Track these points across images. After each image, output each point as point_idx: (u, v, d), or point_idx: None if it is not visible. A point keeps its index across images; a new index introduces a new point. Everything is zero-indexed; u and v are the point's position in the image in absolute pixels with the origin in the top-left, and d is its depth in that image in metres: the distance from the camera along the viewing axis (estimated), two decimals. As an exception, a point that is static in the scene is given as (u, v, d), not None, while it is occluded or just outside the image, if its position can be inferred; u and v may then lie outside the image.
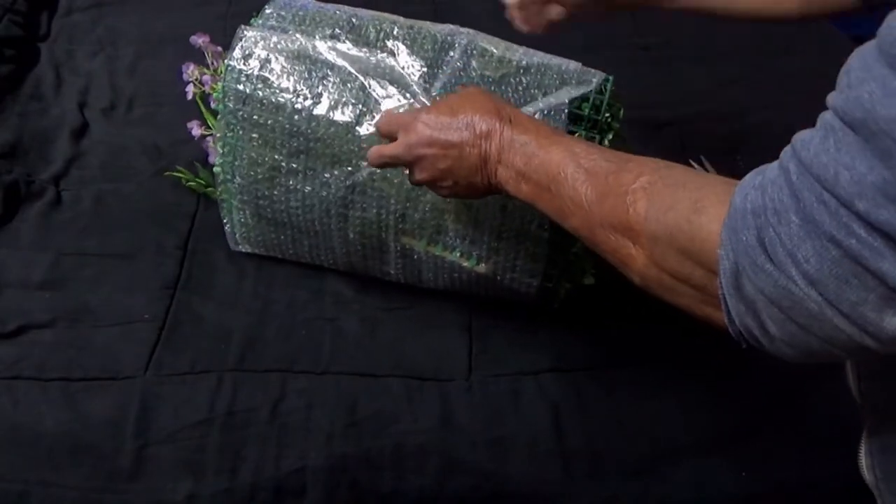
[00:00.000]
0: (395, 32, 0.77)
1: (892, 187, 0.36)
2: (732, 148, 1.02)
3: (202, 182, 0.93)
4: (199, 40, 0.87)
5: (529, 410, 0.76)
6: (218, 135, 0.80)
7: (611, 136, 0.75)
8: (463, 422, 0.75)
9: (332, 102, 0.75)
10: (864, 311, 0.39)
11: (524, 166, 0.60)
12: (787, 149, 0.44)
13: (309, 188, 0.77)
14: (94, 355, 0.78)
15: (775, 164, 0.44)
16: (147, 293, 0.84)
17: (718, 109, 1.08)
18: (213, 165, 0.84)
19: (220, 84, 0.79)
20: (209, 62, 0.87)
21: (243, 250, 0.87)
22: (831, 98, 0.41)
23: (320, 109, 0.75)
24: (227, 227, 0.86)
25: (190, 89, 0.87)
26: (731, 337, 0.84)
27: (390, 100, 0.74)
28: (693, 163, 1.00)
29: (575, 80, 0.75)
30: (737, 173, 1.09)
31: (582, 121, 0.74)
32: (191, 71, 0.87)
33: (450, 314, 0.84)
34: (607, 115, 0.75)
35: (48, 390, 0.75)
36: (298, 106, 0.75)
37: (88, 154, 0.99)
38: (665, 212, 0.50)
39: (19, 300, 0.82)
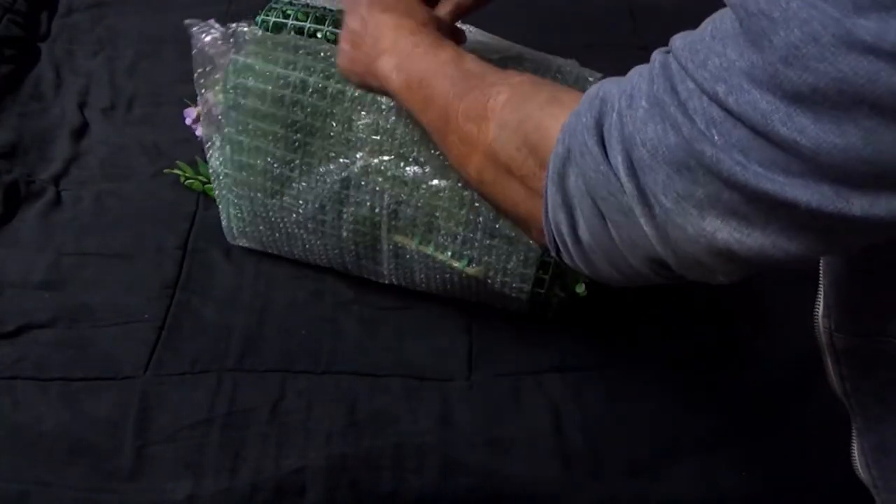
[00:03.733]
0: None
1: (760, 71, 0.33)
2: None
3: (202, 178, 0.93)
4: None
5: (529, 410, 0.76)
6: (217, 129, 0.80)
7: None
8: (463, 422, 0.75)
9: (332, 95, 0.74)
10: (687, 207, 0.37)
11: (406, 61, 0.59)
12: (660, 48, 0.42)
13: (304, 183, 0.77)
14: (94, 355, 0.78)
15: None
16: (147, 293, 0.84)
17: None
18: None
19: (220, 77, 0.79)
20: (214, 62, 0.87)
21: (241, 244, 0.87)
22: None
23: (320, 102, 0.75)
24: (223, 222, 0.86)
25: (198, 129, 0.87)
26: (730, 337, 0.84)
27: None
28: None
29: (573, 78, 0.75)
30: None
31: None
32: (195, 115, 0.87)
33: (450, 314, 0.84)
34: None
35: (48, 390, 0.75)
36: (298, 98, 0.75)
37: (88, 154, 0.99)
38: (522, 101, 0.49)
39: (19, 300, 0.82)
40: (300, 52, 0.75)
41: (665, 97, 0.37)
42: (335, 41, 0.76)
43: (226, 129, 0.78)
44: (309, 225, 0.80)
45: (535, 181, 0.46)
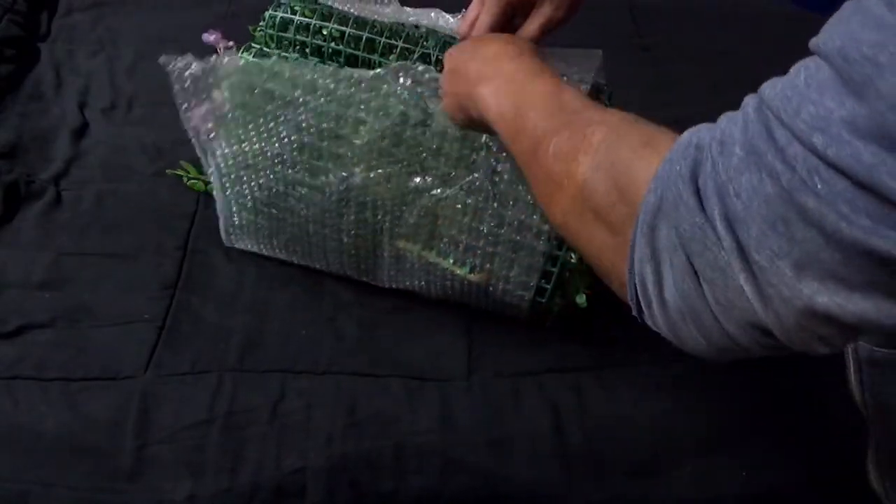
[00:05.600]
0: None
1: (864, 120, 0.31)
2: (732, 148, 1.02)
3: (205, 178, 0.93)
4: (211, 37, 0.87)
5: (529, 410, 0.76)
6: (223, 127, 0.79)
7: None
8: (463, 422, 0.75)
9: (342, 99, 0.74)
10: (782, 267, 0.34)
11: (505, 83, 0.59)
12: (751, 94, 0.40)
13: (308, 184, 0.77)
14: (94, 355, 0.78)
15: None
16: (147, 293, 0.84)
17: (718, 109, 1.08)
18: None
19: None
20: None
21: (238, 247, 0.87)
22: (813, 40, 0.37)
23: (329, 106, 0.74)
24: (221, 223, 0.86)
25: (219, 45, 0.86)
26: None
27: (395, 97, 0.73)
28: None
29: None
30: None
31: None
32: (214, 38, 0.87)
33: (450, 315, 0.84)
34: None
35: (48, 390, 0.75)
36: (307, 100, 0.75)
37: (88, 154, 0.99)
38: (616, 142, 0.46)
39: (19, 300, 0.82)
40: (311, 52, 0.75)
41: (761, 144, 0.35)
42: (340, 38, 0.76)
43: (231, 128, 0.78)
44: (310, 228, 0.80)
45: (623, 230, 0.43)
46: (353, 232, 0.78)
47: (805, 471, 0.73)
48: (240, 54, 0.78)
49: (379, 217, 0.76)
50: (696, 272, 0.38)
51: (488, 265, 0.76)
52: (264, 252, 0.87)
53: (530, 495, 0.71)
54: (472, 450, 0.73)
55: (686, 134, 0.41)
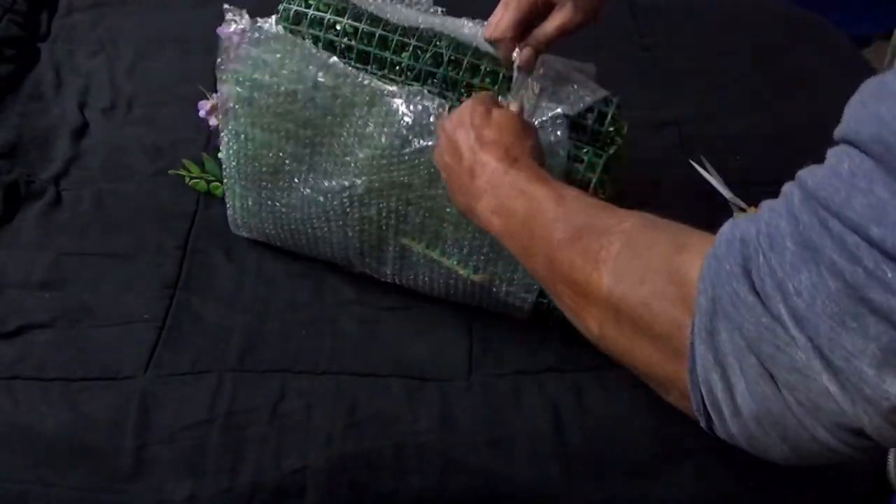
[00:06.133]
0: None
1: None
2: (732, 148, 1.02)
3: (208, 177, 0.92)
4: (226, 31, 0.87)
5: (529, 410, 0.76)
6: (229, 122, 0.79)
7: (612, 151, 0.74)
8: (463, 422, 0.75)
9: (344, 96, 0.74)
10: (860, 366, 0.32)
11: (506, 201, 0.57)
12: (790, 182, 0.38)
13: (313, 180, 0.77)
14: (94, 355, 0.78)
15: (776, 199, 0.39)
16: (147, 293, 0.84)
17: (718, 109, 1.08)
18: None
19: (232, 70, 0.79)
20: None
21: (244, 235, 0.87)
22: (840, 129, 0.36)
23: (333, 102, 0.74)
24: (228, 212, 0.86)
25: (212, 120, 0.87)
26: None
27: (398, 99, 0.73)
28: (693, 163, 1.00)
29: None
30: (737, 173, 1.09)
31: (584, 130, 0.74)
32: (209, 107, 0.87)
33: (450, 314, 0.84)
34: (611, 128, 0.74)
35: (48, 390, 0.75)
36: (311, 97, 0.75)
37: (88, 154, 0.99)
38: (642, 250, 0.44)
39: (19, 300, 0.82)
40: (316, 51, 0.75)
41: (814, 237, 0.33)
42: (354, 34, 0.76)
43: (239, 121, 0.78)
44: (315, 222, 0.80)
45: (674, 340, 0.40)
46: (357, 228, 0.78)
47: (807, 470, 0.73)
48: (283, 5, 0.78)
49: (384, 215, 0.76)
50: (771, 375, 0.36)
51: (491, 267, 0.76)
52: (270, 241, 0.86)
53: (530, 495, 0.71)
54: (472, 450, 0.73)
55: (726, 228, 0.39)
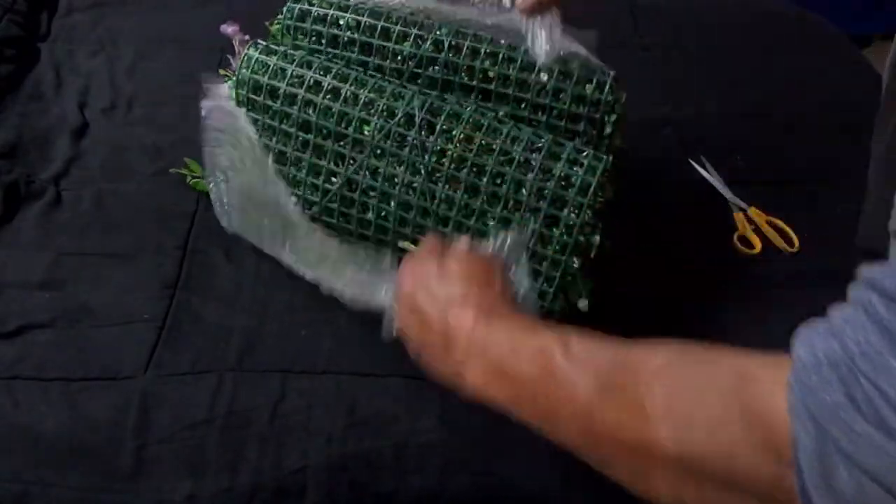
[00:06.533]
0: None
1: None
2: (732, 148, 1.02)
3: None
4: (229, 29, 0.87)
5: (529, 410, 0.76)
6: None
7: (611, 145, 0.75)
8: (463, 422, 0.75)
9: (345, 98, 0.75)
10: None
11: (499, 362, 0.51)
12: (857, 285, 0.35)
13: (312, 182, 0.77)
14: (94, 355, 0.78)
15: (843, 305, 0.35)
16: (147, 293, 0.84)
17: (718, 109, 1.08)
18: None
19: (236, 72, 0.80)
20: (237, 51, 0.87)
21: (237, 231, 0.86)
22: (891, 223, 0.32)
23: (333, 103, 0.75)
24: (219, 207, 0.85)
25: (235, 38, 0.86)
26: (732, 332, 0.83)
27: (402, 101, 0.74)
28: (693, 163, 1.00)
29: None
30: (737, 173, 1.09)
31: (579, 119, 0.75)
32: (231, 30, 0.88)
33: (450, 314, 0.84)
34: (610, 97, 0.75)
35: (48, 390, 0.75)
36: (312, 98, 0.75)
37: (88, 154, 0.99)
38: (699, 393, 0.39)
39: (19, 300, 0.82)
40: (315, 53, 0.76)
41: None
42: (357, 27, 0.78)
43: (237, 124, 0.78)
44: (313, 224, 0.80)
45: (777, 493, 0.36)
46: (357, 231, 0.78)
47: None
48: (246, 49, 0.79)
49: (383, 215, 0.76)
50: None
51: None
52: (262, 248, 0.86)
53: (530, 495, 0.71)
54: (472, 449, 0.73)
55: (802, 352, 0.35)
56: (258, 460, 0.71)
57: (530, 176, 0.70)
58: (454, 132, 0.73)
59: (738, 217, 0.94)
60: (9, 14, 1.13)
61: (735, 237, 0.92)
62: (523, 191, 0.71)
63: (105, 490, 0.69)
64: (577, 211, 0.70)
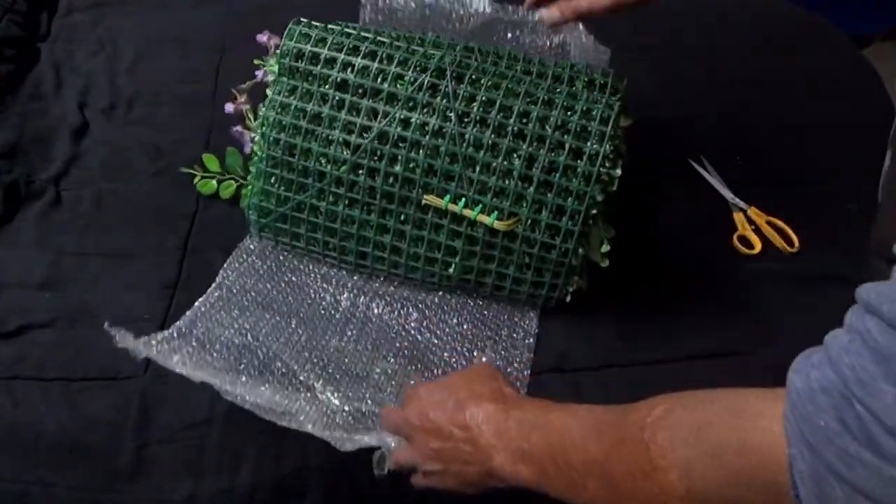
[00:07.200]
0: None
1: None
2: (732, 148, 1.02)
3: (220, 175, 0.92)
4: (264, 38, 0.87)
5: (529, 410, 0.76)
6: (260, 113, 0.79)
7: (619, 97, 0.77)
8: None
9: (381, 58, 0.76)
10: None
11: (523, 444, 0.55)
12: (853, 310, 0.36)
13: (343, 138, 0.76)
14: (94, 355, 0.78)
15: (839, 333, 0.36)
16: (147, 293, 0.84)
17: (718, 109, 1.08)
18: (247, 155, 0.85)
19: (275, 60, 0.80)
20: (272, 54, 0.87)
21: (266, 238, 0.85)
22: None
23: (371, 63, 0.76)
24: (250, 216, 0.83)
25: (260, 74, 0.86)
26: (732, 340, 0.83)
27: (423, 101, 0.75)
28: (693, 163, 1.00)
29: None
30: (737, 173, 1.09)
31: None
32: (266, 38, 0.87)
33: (450, 314, 0.84)
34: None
35: (48, 390, 0.75)
36: (350, 60, 0.76)
37: (88, 154, 0.99)
38: (697, 431, 0.41)
39: (19, 300, 0.82)
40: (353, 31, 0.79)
41: None
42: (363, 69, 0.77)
43: (273, 93, 0.78)
44: (340, 189, 0.78)
45: None
46: (384, 188, 0.76)
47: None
48: (290, 25, 0.80)
49: (410, 166, 0.75)
50: None
51: (516, 207, 0.75)
52: (289, 238, 0.84)
53: (530, 495, 0.71)
54: (472, 450, 0.73)
55: (796, 381, 0.36)
56: (258, 460, 0.71)
57: (555, 112, 0.73)
58: (482, 81, 0.75)
59: (738, 217, 0.94)
60: (9, 14, 1.13)
61: (735, 237, 0.92)
62: (547, 127, 0.73)
63: (105, 490, 0.69)
64: (599, 142, 0.72)
